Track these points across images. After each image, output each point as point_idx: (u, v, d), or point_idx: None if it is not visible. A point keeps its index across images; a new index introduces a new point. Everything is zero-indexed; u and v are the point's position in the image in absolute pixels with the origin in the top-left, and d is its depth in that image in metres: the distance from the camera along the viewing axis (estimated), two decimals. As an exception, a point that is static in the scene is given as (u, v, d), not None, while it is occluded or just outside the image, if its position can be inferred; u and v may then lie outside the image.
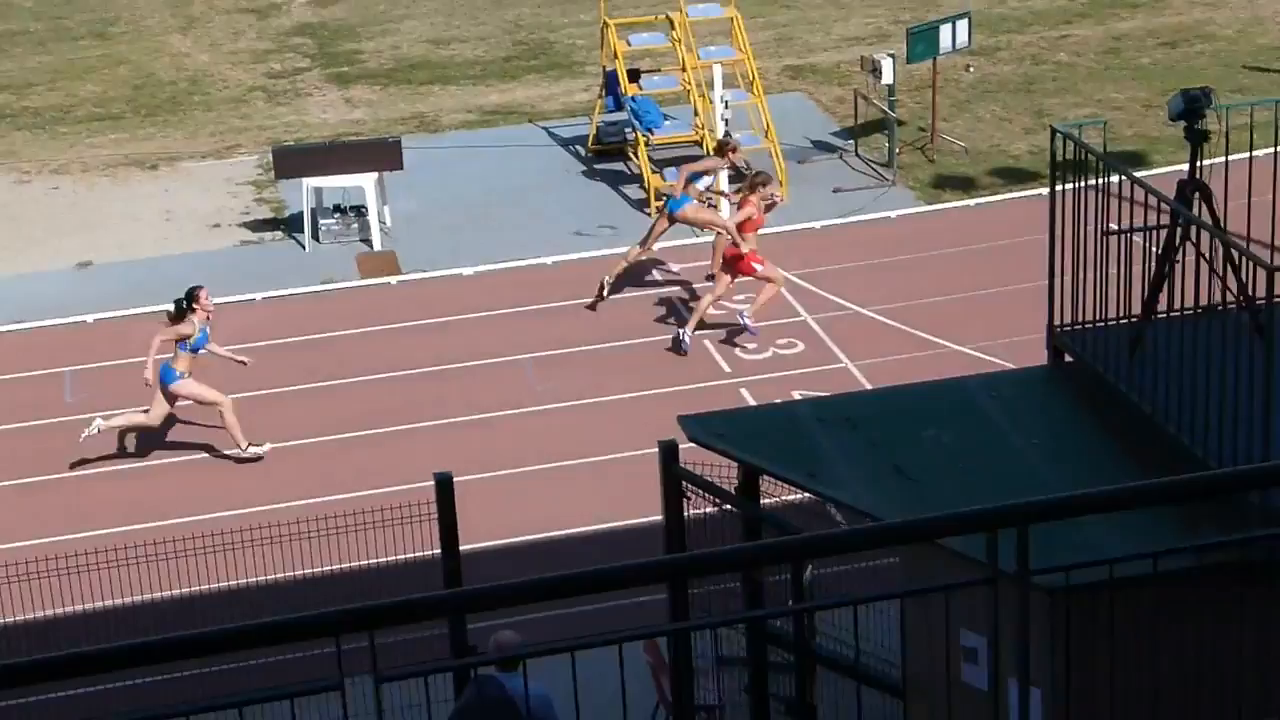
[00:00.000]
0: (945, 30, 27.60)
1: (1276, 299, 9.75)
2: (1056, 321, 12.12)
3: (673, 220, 22.53)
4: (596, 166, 27.84)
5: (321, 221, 25.49)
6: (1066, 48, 32.05)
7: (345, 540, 15.23)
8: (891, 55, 27.15)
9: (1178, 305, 11.25)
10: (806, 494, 11.77)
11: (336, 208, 25.57)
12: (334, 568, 15.56)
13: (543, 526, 18.08)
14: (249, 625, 5.43)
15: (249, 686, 7.35)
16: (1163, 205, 11.27)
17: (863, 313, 22.34)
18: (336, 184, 25.48)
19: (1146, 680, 9.41)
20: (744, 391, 20.53)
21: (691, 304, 22.35)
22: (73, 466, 19.61)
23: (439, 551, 13.79)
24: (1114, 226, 11.44)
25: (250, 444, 19.46)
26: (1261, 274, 9.87)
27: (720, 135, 25.18)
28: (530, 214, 26.03)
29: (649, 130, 26.74)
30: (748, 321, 21.60)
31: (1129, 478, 9.97)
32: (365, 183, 25.37)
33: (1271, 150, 11.72)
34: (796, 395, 19.24)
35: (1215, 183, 11.69)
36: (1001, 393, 12.05)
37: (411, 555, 14.70)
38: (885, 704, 11.60)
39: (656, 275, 23.74)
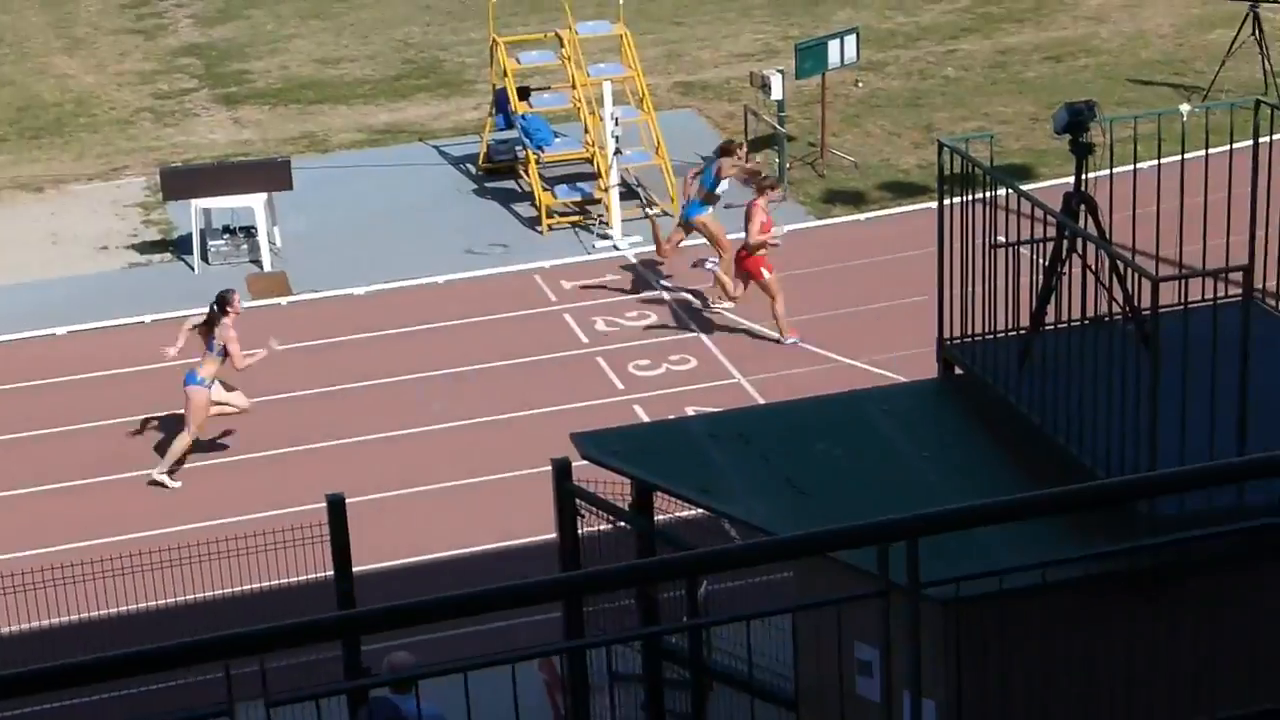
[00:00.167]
0: (834, 46, 27.75)
1: (1161, 309, 9.84)
2: (946, 334, 12.17)
3: (689, 228, 22.85)
4: (487, 185, 27.80)
5: (211, 243, 25.32)
6: (954, 62, 32.29)
7: (237, 563, 15.11)
8: (781, 71, 27.26)
9: (1065, 317, 11.33)
10: (700, 510, 11.77)
11: (226, 229, 25.40)
12: (226, 591, 15.42)
13: (437, 547, 18.00)
14: (134, 652, 5.36)
15: (136, 714, 7.28)
16: (1049, 218, 11.35)
17: (755, 328, 22.39)
18: (225, 205, 25.31)
19: (1040, 690, 9.47)
20: (638, 408, 20.54)
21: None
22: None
23: (332, 573, 13.70)
24: (1001, 239, 11.51)
25: (171, 476, 19.40)
26: (1146, 285, 9.95)
27: (723, 140, 25.30)
28: (421, 233, 25.95)
29: (539, 148, 26.72)
30: (711, 268, 22.18)
31: (1019, 489, 10.03)
32: (255, 203, 25.21)
33: (1155, 162, 11.83)
34: (690, 411, 19.25)
35: (1100, 195, 11.78)
36: (893, 406, 12.10)
37: (305, 577, 14.60)
38: (780, 718, 11.62)
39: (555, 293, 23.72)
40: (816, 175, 27.27)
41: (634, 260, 24.66)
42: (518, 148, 27.54)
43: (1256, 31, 28.41)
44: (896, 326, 21.26)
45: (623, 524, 12.34)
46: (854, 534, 6.31)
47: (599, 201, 26.09)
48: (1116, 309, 11.08)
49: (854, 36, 28.25)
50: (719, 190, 23.06)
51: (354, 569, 13.76)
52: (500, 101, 27.61)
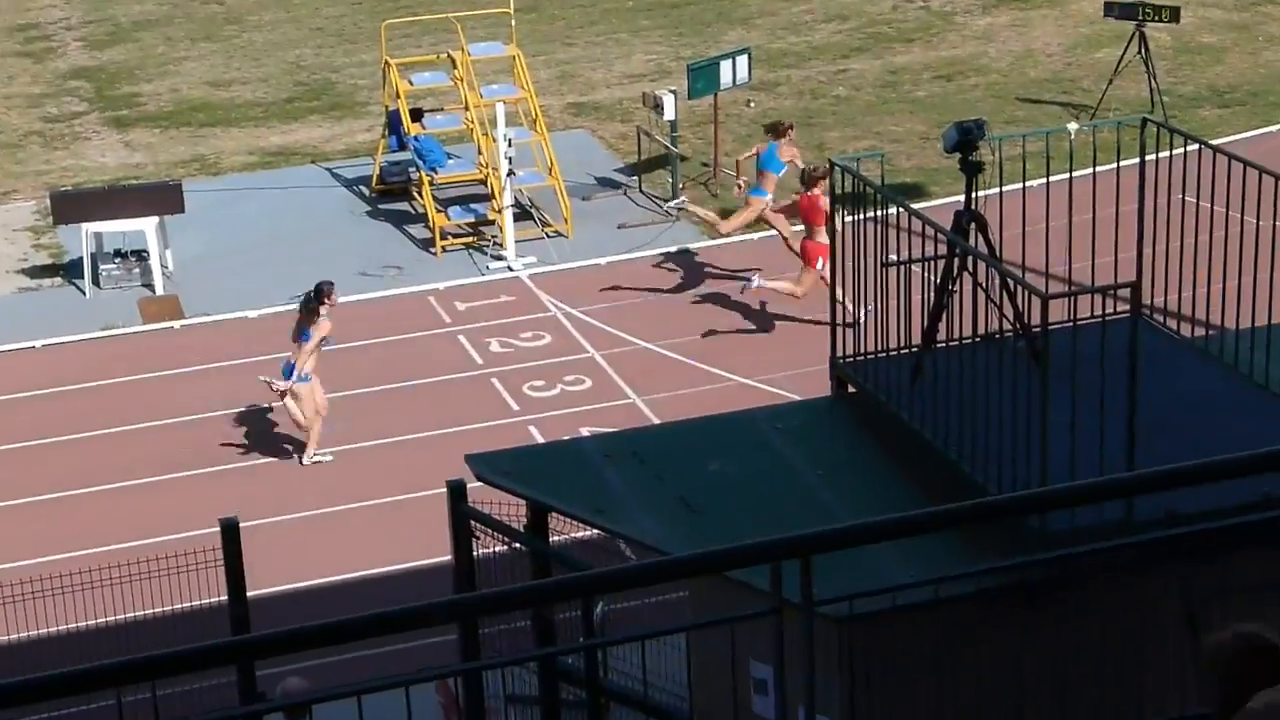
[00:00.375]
0: (726, 66, 27.85)
1: (1051, 326, 9.93)
2: (839, 352, 12.24)
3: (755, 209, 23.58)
4: (380, 206, 27.70)
5: (102, 266, 25.12)
6: (845, 82, 32.47)
7: (130, 589, 14.99)
8: (673, 91, 27.33)
9: (956, 334, 11.42)
10: (595, 530, 11.78)
11: (117, 252, 25.22)
12: (117, 618, 15.26)
13: (332, 570, 17.92)
14: (17, 681, 5.31)
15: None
16: (940, 236, 11.44)
17: (649, 348, 22.44)
18: (117, 228, 25.12)
19: (936, 704, 9.52)
20: (532, 429, 20.53)
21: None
22: None
23: (226, 598, 13.62)
24: (893, 258, 11.59)
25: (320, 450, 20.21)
26: (1036, 302, 10.05)
27: (772, 121, 25.57)
28: (314, 255, 25.80)
29: (433, 169, 26.67)
30: (756, 280, 22.18)
31: (912, 505, 10.08)
32: (146, 227, 25.04)
33: (1044, 180, 11.95)
34: (585, 431, 19.28)
35: (990, 212, 11.89)
36: (786, 424, 12.15)
37: (198, 602, 14.51)
38: (678, 737, 11.63)
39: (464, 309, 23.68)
40: (710, 195, 27.34)
41: (528, 281, 24.66)
42: (411, 169, 27.47)
43: (1143, 50, 28.71)
44: (790, 345, 21.35)
45: (518, 545, 12.32)
46: (748, 552, 6.34)
47: (493, 223, 26.07)
48: (1007, 326, 11.19)
49: (746, 56, 28.36)
50: (782, 173, 23.55)
51: (249, 593, 13.68)
52: (393, 123, 27.56)
